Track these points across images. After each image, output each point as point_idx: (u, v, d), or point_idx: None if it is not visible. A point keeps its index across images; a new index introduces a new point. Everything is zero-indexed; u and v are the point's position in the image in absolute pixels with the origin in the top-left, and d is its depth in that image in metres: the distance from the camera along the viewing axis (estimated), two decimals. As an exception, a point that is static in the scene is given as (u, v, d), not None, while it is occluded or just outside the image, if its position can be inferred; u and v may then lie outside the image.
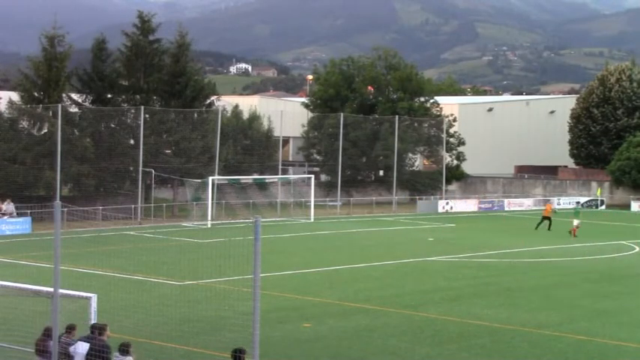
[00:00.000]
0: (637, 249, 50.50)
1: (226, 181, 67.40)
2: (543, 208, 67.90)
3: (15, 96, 62.50)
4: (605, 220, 71.85)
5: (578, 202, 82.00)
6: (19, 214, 54.14)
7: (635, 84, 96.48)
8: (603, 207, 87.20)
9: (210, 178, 61.24)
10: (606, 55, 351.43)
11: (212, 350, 22.24)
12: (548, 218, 60.99)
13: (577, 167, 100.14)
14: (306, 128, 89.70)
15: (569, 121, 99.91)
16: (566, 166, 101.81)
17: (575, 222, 56.60)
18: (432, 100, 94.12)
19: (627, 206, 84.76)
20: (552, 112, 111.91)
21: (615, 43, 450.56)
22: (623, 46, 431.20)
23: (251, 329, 14.17)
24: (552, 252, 48.32)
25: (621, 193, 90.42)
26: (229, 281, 32.67)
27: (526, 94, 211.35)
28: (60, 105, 58.14)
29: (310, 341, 24.52)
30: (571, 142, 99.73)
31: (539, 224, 61.03)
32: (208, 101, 70.48)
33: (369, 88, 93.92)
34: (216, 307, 28.11)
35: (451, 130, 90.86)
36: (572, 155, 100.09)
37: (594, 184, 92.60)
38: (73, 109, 64.46)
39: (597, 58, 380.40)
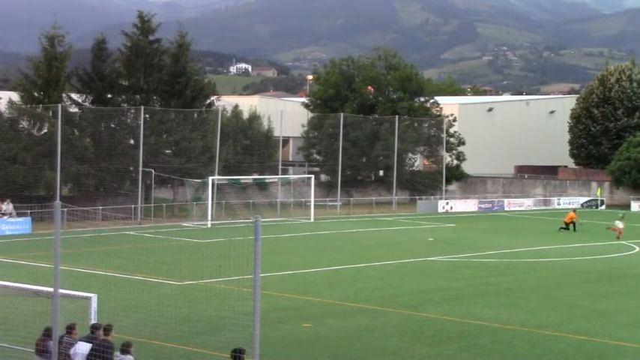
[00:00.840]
0: (637, 249, 50.49)
1: (226, 181, 67.39)
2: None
3: (15, 96, 62.53)
4: (605, 220, 71.79)
5: (622, 208, 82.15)
6: (19, 214, 54.13)
7: (635, 84, 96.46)
8: (603, 207, 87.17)
9: (210, 178, 61.23)
10: (606, 55, 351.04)
11: (212, 350, 22.24)
12: (572, 223, 61.04)
13: (577, 167, 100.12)
14: (306, 128, 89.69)
15: (569, 121, 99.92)
16: (566, 166, 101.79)
17: (620, 224, 56.46)
18: (432, 100, 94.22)
19: (627, 206, 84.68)
20: (552, 112, 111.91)
21: (615, 43, 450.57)
22: (623, 46, 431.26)
23: (251, 329, 14.17)
24: (552, 252, 48.32)
25: (621, 193, 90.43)
26: (229, 281, 32.68)
27: (526, 94, 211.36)
28: (60, 105, 58.13)
29: (310, 341, 24.51)
30: (571, 142, 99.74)
31: (572, 228, 61.08)
32: (208, 101, 70.45)
33: (369, 88, 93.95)
34: (216, 307, 28.12)
35: (451, 130, 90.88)
36: (572, 155, 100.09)
37: (594, 184, 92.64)
38: (73, 109, 64.48)
39: (597, 58, 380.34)
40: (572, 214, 62.96)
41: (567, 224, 61.27)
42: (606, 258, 46.28)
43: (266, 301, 25.36)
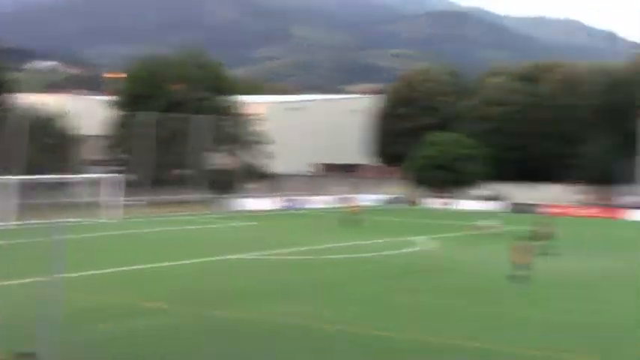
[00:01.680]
0: (419, 247, 52.29)
1: (27, 181, 65.86)
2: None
3: None
4: (396, 217, 74.24)
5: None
6: None
7: (436, 84, 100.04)
8: (402, 205, 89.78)
9: (9, 178, 59.81)
10: (411, 57, 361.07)
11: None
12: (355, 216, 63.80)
13: (378, 165, 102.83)
14: (111, 127, 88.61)
15: (372, 120, 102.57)
16: (367, 165, 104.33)
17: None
18: (239, 99, 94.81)
19: (424, 203, 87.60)
20: (356, 110, 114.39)
21: (420, 45, 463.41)
22: (427, 47, 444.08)
23: (42, 333, 14.13)
24: (344, 249, 49.70)
25: (419, 191, 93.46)
26: (25, 284, 32.22)
27: (333, 94, 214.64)
28: None
29: (107, 343, 24.40)
30: (373, 141, 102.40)
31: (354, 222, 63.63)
32: (8, 99, 68.71)
33: (176, 86, 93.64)
34: (10, 310, 27.70)
35: (257, 129, 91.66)
36: (374, 154, 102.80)
37: (394, 182, 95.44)
38: None
39: (403, 60, 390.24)
40: (355, 203, 66.94)
41: (353, 214, 64.47)
42: (396, 254, 48.02)
43: (63, 303, 25.22)
